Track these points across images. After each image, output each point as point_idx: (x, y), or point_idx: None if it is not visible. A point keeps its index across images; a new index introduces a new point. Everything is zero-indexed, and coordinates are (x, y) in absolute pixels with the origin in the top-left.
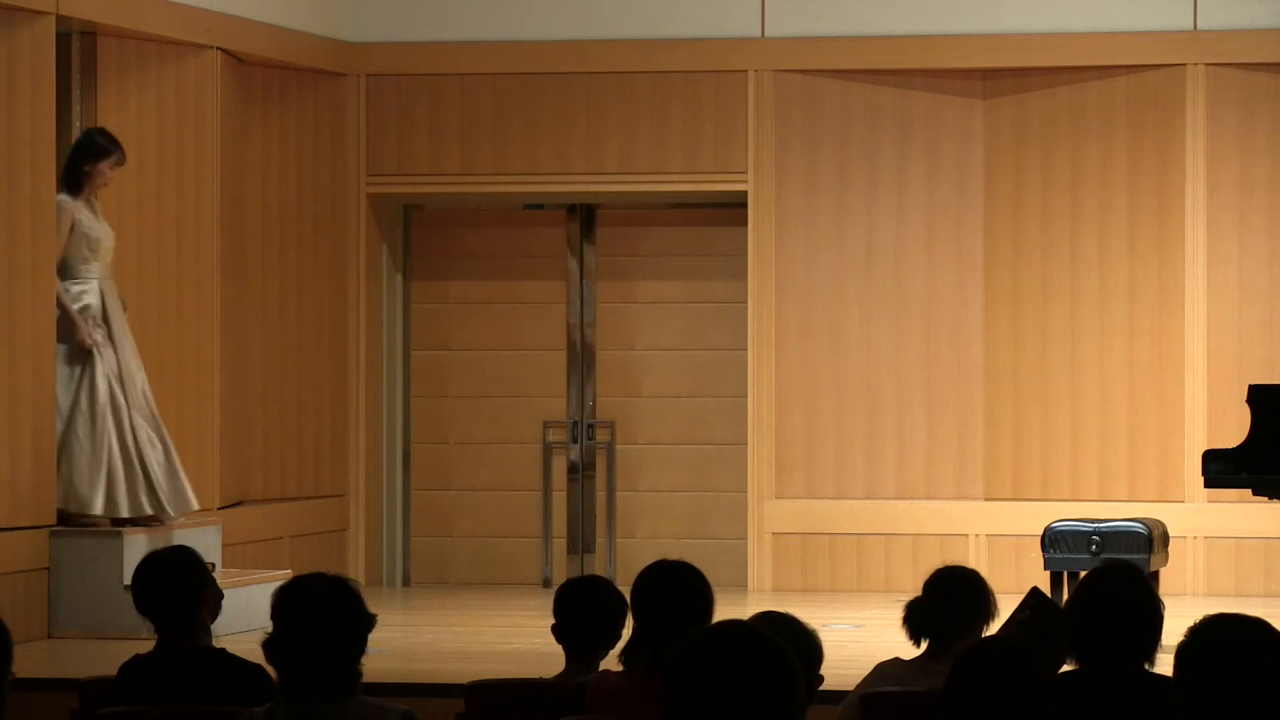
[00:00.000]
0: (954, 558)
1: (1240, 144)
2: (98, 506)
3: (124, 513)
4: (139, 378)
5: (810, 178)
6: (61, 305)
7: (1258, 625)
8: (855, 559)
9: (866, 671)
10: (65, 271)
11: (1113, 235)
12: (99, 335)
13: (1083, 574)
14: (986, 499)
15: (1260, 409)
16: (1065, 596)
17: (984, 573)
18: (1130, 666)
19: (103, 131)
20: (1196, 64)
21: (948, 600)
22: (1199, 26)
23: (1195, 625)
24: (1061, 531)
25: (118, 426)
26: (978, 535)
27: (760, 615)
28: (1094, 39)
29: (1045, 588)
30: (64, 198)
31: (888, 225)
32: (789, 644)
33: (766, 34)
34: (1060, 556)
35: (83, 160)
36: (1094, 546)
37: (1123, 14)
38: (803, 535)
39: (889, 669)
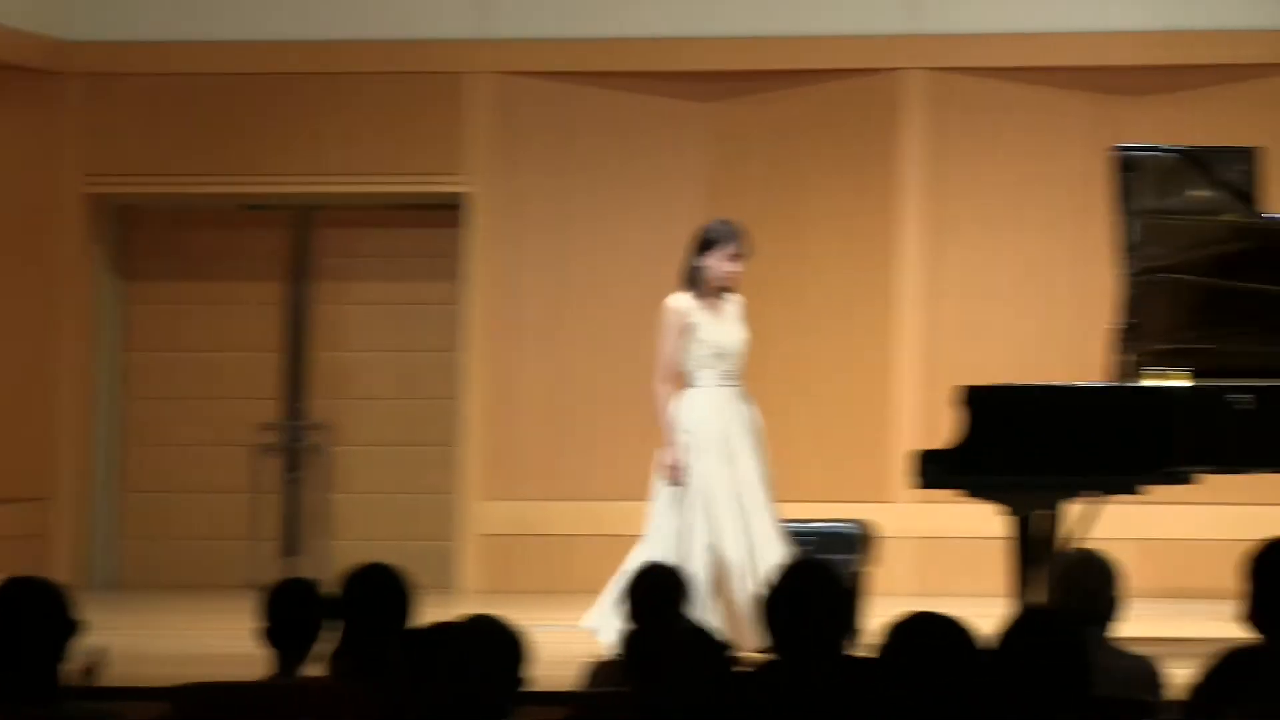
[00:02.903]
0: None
1: (963, 149)
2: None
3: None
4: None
5: (533, 180)
6: (667, 419)
7: (946, 622)
8: (565, 560)
9: (579, 670)
10: (687, 378)
11: (830, 237)
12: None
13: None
14: None
15: (974, 410)
16: None
17: None
18: (824, 652)
19: (724, 220)
20: (912, 68)
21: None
22: (918, 31)
23: (891, 624)
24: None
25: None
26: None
27: (471, 618)
28: (812, 42)
29: None
30: (676, 296)
31: (609, 229)
32: (499, 646)
33: (487, 35)
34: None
35: (694, 254)
36: (807, 548)
37: (838, 17)
38: (512, 537)
39: None
